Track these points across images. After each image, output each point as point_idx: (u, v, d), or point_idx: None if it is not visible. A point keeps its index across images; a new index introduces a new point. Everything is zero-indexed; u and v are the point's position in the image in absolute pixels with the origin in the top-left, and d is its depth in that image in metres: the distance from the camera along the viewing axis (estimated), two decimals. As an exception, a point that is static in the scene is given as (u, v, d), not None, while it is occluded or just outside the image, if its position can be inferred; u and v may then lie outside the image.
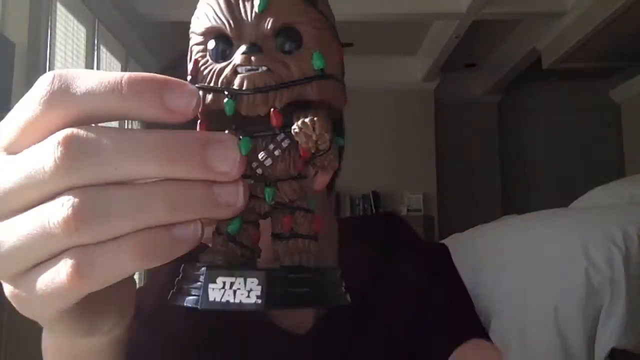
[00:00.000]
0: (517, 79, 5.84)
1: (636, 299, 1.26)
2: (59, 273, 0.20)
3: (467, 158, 6.20)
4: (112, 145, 0.19)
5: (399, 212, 5.58)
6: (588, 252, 1.34)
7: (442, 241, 2.48)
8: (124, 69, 4.09)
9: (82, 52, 3.32)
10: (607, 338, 1.25)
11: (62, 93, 0.19)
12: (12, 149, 0.21)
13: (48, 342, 0.29)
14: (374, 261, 0.63)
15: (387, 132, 5.70)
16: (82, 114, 0.19)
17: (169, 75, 0.20)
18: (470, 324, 0.63)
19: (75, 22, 3.24)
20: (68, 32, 3.12)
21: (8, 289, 0.22)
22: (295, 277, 0.20)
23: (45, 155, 0.19)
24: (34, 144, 0.20)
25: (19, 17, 2.60)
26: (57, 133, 0.19)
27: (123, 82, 0.19)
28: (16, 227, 0.20)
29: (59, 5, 2.98)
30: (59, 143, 0.19)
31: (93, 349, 0.28)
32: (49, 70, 2.77)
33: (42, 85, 0.20)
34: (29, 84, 2.17)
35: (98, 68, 3.51)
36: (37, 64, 2.68)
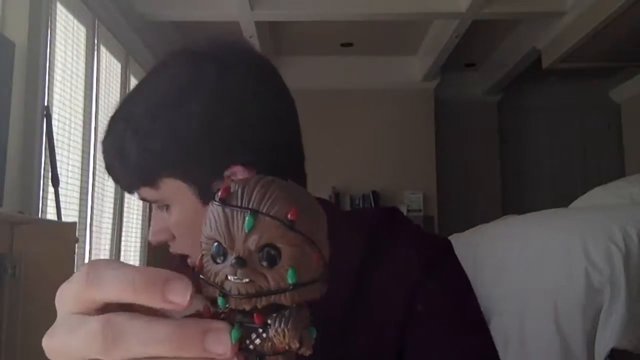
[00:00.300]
0: (517, 78, 5.84)
1: (636, 299, 1.26)
2: None
3: (467, 158, 6.20)
4: (136, 335, 0.26)
5: (399, 212, 5.57)
6: (588, 252, 1.34)
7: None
8: (124, 68, 4.09)
9: (82, 52, 3.32)
10: (607, 338, 1.25)
11: (92, 284, 0.28)
12: (74, 312, 0.29)
13: None
14: (364, 250, 0.62)
15: (387, 132, 5.70)
16: (108, 299, 0.28)
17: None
18: (468, 324, 0.62)
19: (75, 22, 3.24)
20: (68, 32, 3.12)
21: None
22: None
23: (90, 339, 0.27)
24: (87, 310, 0.28)
25: (19, 17, 2.60)
26: (100, 319, 0.27)
27: (134, 280, 0.27)
28: None
29: (59, 5, 2.98)
30: (97, 331, 0.27)
31: None
32: (49, 70, 2.77)
33: (82, 277, 0.28)
34: (29, 84, 2.17)
35: (98, 68, 3.51)
36: (37, 64, 2.68)
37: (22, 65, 2.54)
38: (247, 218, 0.26)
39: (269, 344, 0.27)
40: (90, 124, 3.34)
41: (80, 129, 3.22)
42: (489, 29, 4.90)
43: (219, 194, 0.27)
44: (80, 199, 3.17)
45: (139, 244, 4.36)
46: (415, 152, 5.76)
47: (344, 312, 0.60)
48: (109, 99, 3.75)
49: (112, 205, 3.77)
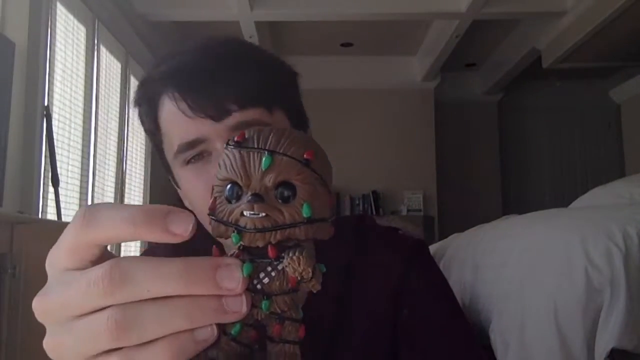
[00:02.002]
0: (517, 78, 5.84)
1: (636, 299, 1.26)
2: None
3: (467, 158, 6.20)
4: (144, 273, 0.26)
5: (400, 212, 5.58)
6: (588, 252, 1.34)
7: (442, 241, 2.48)
8: (124, 68, 4.09)
9: (82, 52, 3.32)
10: (607, 338, 1.25)
11: (90, 225, 0.26)
12: (69, 267, 0.28)
13: None
14: (349, 258, 0.65)
15: (387, 132, 5.71)
16: (107, 238, 0.27)
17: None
18: (449, 315, 0.66)
19: (75, 22, 3.24)
20: (68, 32, 3.12)
21: None
22: None
23: (94, 282, 0.26)
24: (83, 261, 0.27)
25: (19, 17, 2.60)
26: (105, 264, 0.26)
27: (135, 215, 0.26)
28: (73, 330, 0.27)
29: (59, 5, 2.98)
30: (104, 273, 0.26)
31: None
32: (49, 70, 2.77)
33: (77, 219, 0.27)
34: (29, 84, 2.16)
35: (98, 68, 3.52)
36: (37, 64, 2.68)
37: (22, 65, 2.54)
38: (264, 157, 0.27)
39: (277, 282, 0.27)
40: (90, 124, 3.34)
41: (80, 129, 3.22)
42: (489, 29, 4.90)
43: (235, 138, 0.28)
44: (80, 199, 3.17)
45: (138, 244, 4.37)
46: (415, 152, 5.76)
47: (334, 315, 0.62)
48: (109, 99, 3.75)
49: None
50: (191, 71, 0.57)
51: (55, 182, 2.56)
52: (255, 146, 0.27)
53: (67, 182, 2.95)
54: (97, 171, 3.37)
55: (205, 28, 4.55)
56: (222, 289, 0.26)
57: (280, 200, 0.27)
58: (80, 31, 3.32)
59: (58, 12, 2.97)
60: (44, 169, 2.70)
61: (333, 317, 0.62)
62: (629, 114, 5.92)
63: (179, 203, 0.65)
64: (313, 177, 0.27)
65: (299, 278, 0.27)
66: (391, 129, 5.71)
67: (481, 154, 6.25)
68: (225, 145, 0.29)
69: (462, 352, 0.64)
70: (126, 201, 4.01)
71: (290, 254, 0.27)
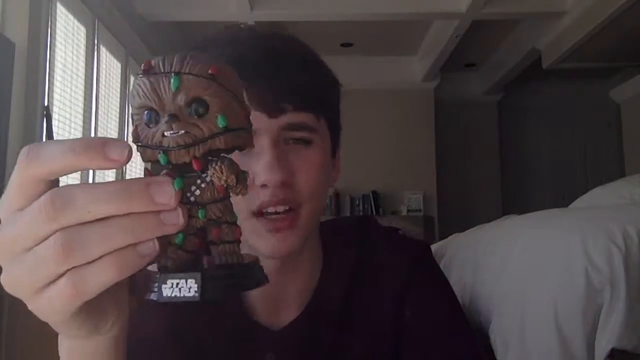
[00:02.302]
0: (517, 78, 5.84)
1: (636, 299, 1.26)
2: (61, 291, 0.28)
3: (467, 158, 6.20)
4: (83, 196, 0.27)
5: (400, 212, 5.58)
6: (588, 252, 1.34)
7: (442, 241, 2.48)
8: (124, 68, 4.09)
9: (82, 52, 3.32)
10: (607, 338, 1.25)
11: (33, 160, 0.28)
12: (20, 206, 0.29)
13: (62, 347, 0.37)
14: (355, 259, 0.67)
15: (387, 132, 5.70)
16: (50, 171, 0.28)
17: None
18: (452, 323, 0.66)
19: (75, 22, 3.24)
20: (68, 32, 3.12)
21: (28, 305, 0.31)
22: (223, 274, 0.30)
23: (37, 210, 0.27)
24: (31, 198, 0.29)
25: (19, 17, 2.60)
26: (47, 193, 0.28)
27: (75, 145, 0.28)
28: (24, 261, 0.29)
29: (59, 5, 2.98)
30: (45, 201, 0.27)
31: (99, 350, 0.36)
32: (49, 70, 2.77)
33: (20, 157, 0.29)
34: (29, 84, 2.16)
35: (98, 68, 3.51)
36: (37, 64, 2.68)
37: (22, 65, 2.53)
38: (172, 79, 0.28)
39: (208, 192, 0.30)
40: (90, 124, 3.34)
41: (80, 129, 3.22)
42: (489, 29, 4.90)
43: (142, 67, 0.30)
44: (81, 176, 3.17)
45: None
46: (415, 152, 5.76)
47: (340, 315, 0.64)
48: (109, 99, 3.75)
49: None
50: (255, 63, 0.57)
51: (55, 182, 2.56)
52: (162, 70, 0.29)
53: (67, 182, 2.95)
54: (97, 171, 3.37)
55: (205, 28, 4.54)
56: (157, 204, 0.28)
57: (195, 116, 0.29)
58: (80, 31, 3.32)
59: (58, 12, 2.97)
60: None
61: (338, 315, 0.64)
62: (629, 114, 5.92)
63: None
64: (222, 90, 0.29)
65: (224, 185, 0.29)
66: (391, 129, 5.71)
67: (481, 154, 6.24)
68: (135, 77, 0.31)
69: (463, 353, 0.64)
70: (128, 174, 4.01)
71: (213, 165, 0.29)
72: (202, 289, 0.29)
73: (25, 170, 0.28)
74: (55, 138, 2.66)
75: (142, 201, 0.27)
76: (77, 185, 0.28)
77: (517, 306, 1.48)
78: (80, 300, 0.29)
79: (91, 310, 0.31)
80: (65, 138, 2.93)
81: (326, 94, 0.63)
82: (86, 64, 3.34)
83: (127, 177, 4.05)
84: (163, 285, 0.29)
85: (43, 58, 2.74)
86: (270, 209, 0.56)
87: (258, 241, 0.57)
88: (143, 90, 0.29)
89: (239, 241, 0.32)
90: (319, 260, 0.67)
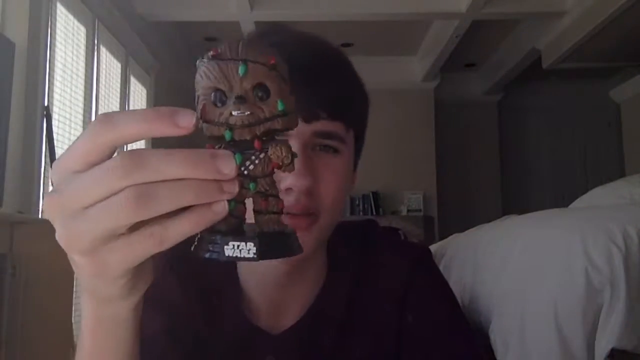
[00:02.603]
0: (517, 78, 5.84)
1: (636, 299, 1.26)
2: (140, 239, 0.31)
3: (467, 158, 6.20)
4: (157, 159, 0.30)
5: (400, 212, 5.58)
6: (588, 252, 1.34)
7: (442, 241, 2.48)
8: (124, 68, 4.09)
9: (82, 52, 3.32)
10: (607, 338, 1.25)
11: (107, 126, 0.30)
12: (80, 170, 0.31)
13: (87, 312, 0.40)
14: (359, 264, 0.68)
15: (387, 132, 5.70)
16: (124, 137, 0.31)
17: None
18: (453, 325, 0.67)
19: (75, 22, 3.24)
20: (68, 32, 3.12)
21: (78, 260, 0.33)
22: (273, 240, 0.34)
23: (112, 167, 0.30)
24: (93, 161, 0.31)
25: (19, 17, 2.59)
26: (121, 153, 0.30)
27: (147, 113, 0.30)
28: (88, 216, 0.30)
29: (59, 5, 2.98)
30: (121, 159, 0.29)
31: (122, 315, 0.39)
32: (49, 70, 2.77)
33: (95, 124, 0.31)
34: (29, 84, 2.16)
35: (98, 68, 3.51)
36: (37, 64, 2.68)
37: (22, 65, 2.53)
38: (240, 66, 0.32)
39: (260, 168, 0.33)
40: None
41: (80, 129, 3.22)
42: (489, 29, 4.90)
43: (211, 53, 0.33)
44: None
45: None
46: (415, 152, 5.76)
47: (342, 319, 0.64)
48: (109, 99, 3.75)
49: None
50: (301, 66, 0.57)
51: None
52: (230, 57, 0.32)
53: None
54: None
55: (205, 28, 4.55)
56: (220, 174, 0.31)
57: (258, 99, 0.32)
58: (80, 31, 3.32)
59: (58, 12, 2.97)
60: (44, 169, 2.70)
61: (340, 318, 0.64)
62: (629, 114, 5.92)
63: None
64: (280, 78, 0.33)
65: (280, 163, 0.33)
66: (391, 129, 5.71)
67: (481, 154, 6.24)
68: (200, 60, 0.33)
69: (463, 354, 0.64)
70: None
71: (274, 144, 0.33)
72: (260, 252, 0.32)
73: (98, 136, 0.30)
74: (55, 138, 2.66)
75: (208, 169, 0.30)
76: (149, 149, 0.30)
77: (517, 306, 1.48)
78: (160, 248, 0.31)
79: (138, 266, 0.34)
80: (65, 138, 2.94)
81: (359, 107, 0.66)
82: (86, 64, 3.34)
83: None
84: (225, 247, 0.33)
85: (43, 58, 2.74)
86: (288, 209, 0.56)
87: None
88: (213, 73, 0.32)
89: (282, 212, 0.35)
90: (324, 264, 0.67)
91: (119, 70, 4.02)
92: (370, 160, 0.68)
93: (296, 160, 0.55)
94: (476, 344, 0.68)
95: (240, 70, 0.32)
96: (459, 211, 5.76)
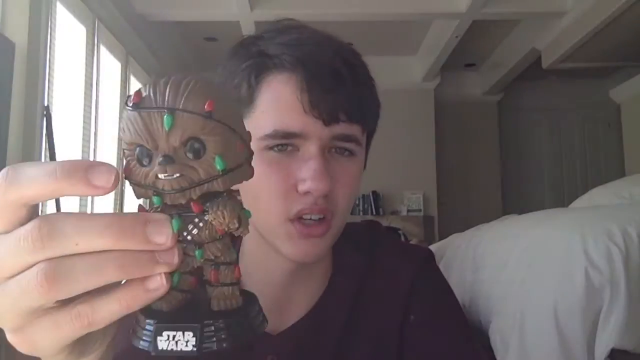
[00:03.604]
0: (517, 78, 5.84)
1: (636, 299, 1.26)
2: (66, 321, 0.27)
3: (467, 158, 6.20)
4: (72, 227, 0.25)
5: (400, 212, 5.58)
6: (588, 252, 1.34)
7: (442, 241, 2.48)
8: (124, 68, 4.09)
9: (82, 52, 3.32)
10: (607, 338, 1.25)
11: (13, 184, 0.26)
12: (1, 230, 0.27)
13: None
14: (363, 265, 0.68)
15: (386, 132, 5.64)
16: (30, 196, 0.26)
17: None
18: (455, 328, 0.67)
19: (76, 22, 3.24)
20: (68, 32, 3.12)
21: (10, 338, 0.29)
22: (222, 324, 0.28)
23: (23, 238, 0.25)
24: (11, 223, 0.27)
25: (19, 17, 2.60)
26: (34, 220, 0.26)
27: (56, 169, 0.25)
28: (6, 290, 0.27)
29: (59, 5, 2.98)
30: (31, 229, 0.25)
31: None
32: (49, 70, 2.77)
33: (0, 177, 0.26)
34: (29, 84, 2.16)
35: (98, 68, 3.51)
36: (37, 64, 2.68)
37: (22, 65, 2.53)
38: (165, 117, 0.26)
39: (206, 232, 0.28)
40: (90, 124, 3.34)
41: (80, 129, 3.22)
42: (489, 29, 4.90)
43: (132, 99, 0.27)
44: (80, 199, 3.17)
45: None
46: (415, 152, 5.75)
47: (344, 320, 0.64)
48: (109, 99, 3.75)
49: (112, 206, 3.77)
50: (322, 68, 0.56)
51: (36, 207, 2.56)
52: (154, 105, 0.26)
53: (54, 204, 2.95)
54: (95, 200, 3.36)
55: (205, 28, 4.55)
56: (152, 244, 0.26)
57: (191, 156, 0.27)
58: (80, 31, 3.32)
59: (58, 12, 2.97)
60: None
61: (343, 319, 0.64)
62: (629, 114, 5.91)
63: None
64: (219, 127, 0.27)
65: (226, 229, 0.28)
66: (391, 129, 5.70)
67: (481, 154, 6.24)
68: (124, 107, 0.28)
69: (465, 357, 0.64)
70: (126, 201, 4.01)
71: (214, 208, 0.27)
72: (200, 342, 0.27)
73: (3, 195, 0.26)
74: (55, 138, 2.66)
75: (136, 240, 0.26)
76: (67, 213, 0.26)
77: (517, 306, 1.48)
78: (90, 329, 0.27)
79: (79, 339, 0.30)
80: (64, 138, 2.94)
81: (375, 109, 0.65)
82: (86, 64, 3.34)
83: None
84: (158, 337, 0.27)
85: (43, 58, 2.74)
86: (307, 215, 0.55)
87: (288, 246, 0.57)
88: (134, 126, 0.27)
89: (237, 282, 0.30)
90: (329, 265, 0.67)
91: (119, 70, 4.02)
92: (370, 160, 0.68)
93: (314, 164, 0.53)
94: (478, 346, 0.68)
95: (166, 122, 0.26)
96: (459, 211, 5.76)
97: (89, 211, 3.45)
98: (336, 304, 0.65)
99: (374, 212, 5.51)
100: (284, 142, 0.55)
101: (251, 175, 0.29)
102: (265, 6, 4.17)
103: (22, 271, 0.26)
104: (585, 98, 6.37)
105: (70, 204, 2.98)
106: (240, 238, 0.65)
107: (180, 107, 0.26)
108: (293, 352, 0.62)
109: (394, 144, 5.68)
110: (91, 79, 3.40)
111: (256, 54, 0.58)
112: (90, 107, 3.36)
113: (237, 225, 0.28)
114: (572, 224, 1.52)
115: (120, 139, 0.28)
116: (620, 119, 6.13)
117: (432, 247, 2.34)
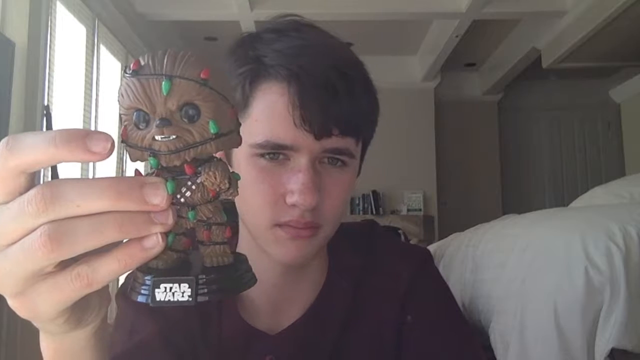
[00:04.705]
0: (517, 78, 5.84)
1: (636, 299, 1.26)
2: (66, 282, 0.28)
3: (467, 158, 6.20)
4: (74, 190, 0.27)
5: (400, 212, 5.58)
6: (588, 251, 1.34)
7: (442, 241, 2.48)
8: (124, 68, 4.09)
9: (82, 52, 3.32)
10: (607, 338, 1.25)
11: (13, 151, 0.27)
12: (4, 199, 0.28)
13: (44, 343, 0.37)
14: (361, 265, 0.68)
15: (387, 131, 5.66)
16: (30, 163, 0.27)
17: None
18: (455, 327, 0.67)
19: (76, 22, 3.24)
20: (68, 32, 3.12)
21: (11, 302, 0.30)
22: (215, 277, 0.30)
23: (26, 202, 0.27)
24: (12, 192, 0.28)
25: (19, 17, 2.60)
26: (37, 186, 0.27)
27: (55, 136, 0.27)
28: (9, 255, 0.28)
29: (59, 5, 2.98)
30: (35, 193, 0.27)
31: (80, 344, 0.37)
32: (49, 70, 2.77)
33: (0, 147, 0.27)
34: (29, 83, 2.16)
35: (98, 68, 3.51)
36: (37, 64, 2.68)
37: (22, 65, 2.54)
38: (163, 82, 0.28)
39: (199, 194, 0.29)
40: (90, 124, 3.34)
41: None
42: (489, 29, 4.90)
43: (131, 66, 0.29)
44: (82, 168, 3.17)
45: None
46: (415, 152, 5.75)
47: (342, 319, 0.64)
48: (109, 99, 3.75)
49: (113, 174, 3.78)
50: (317, 82, 0.55)
51: (34, 176, 2.56)
52: (153, 72, 0.28)
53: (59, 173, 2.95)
54: (97, 171, 3.37)
55: (205, 28, 4.55)
56: (148, 205, 0.27)
57: (186, 120, 0.28)
58: (80, 31, 3.32)
59: (58, 12, 2.97)
60: (44, 169, 2.70)
61: (340, 319, 0.64)
62: (629, 114, 5.92)
63: None
64: (213, 94, 0.28)
65: (217, 190, 0.29)
66: (391, 129, 5.70)
67: (481, 154, 6.24)
68: (122, 75, 0.29)
69: (464, 356, 0.64)
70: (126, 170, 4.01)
71: (207, 170, 0.29)
72: (196, 292, 0.29)
73: (4, 162, 0.27)
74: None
75: (133, 201, 0.27)
76: (67, 179, 0.28)
77: (516, 306, 1.48)
78: (90, 290, 0.29)
79: (77, 303, 0.31)
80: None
81: (370, 118, 0.64)
82: (86, 64, 3.34)
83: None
84: (156, 290, 0.28)
85: (43, 58, 2.74)
86: (293, 223, 0.56)
87: (276, 248, 0.57)
88: (133, 91, 0.28)
89: (228, 242, 0.32)
90: (325, 265, 0.68)
91: (119, 70, 4.02)
92: (370, 160, 0.67)
93: (303, 177, 0.53)
94: (476, 344, 0.68)
95: (164, 87, 0.27)
96: (459, 211, 5.76)
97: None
98: (334, 304, 0.65)
99: (374, 212, 5.50)
100: (277, 152, 0.55)
101: (239, 143, 0.31)
102: (265, 6, 4.17)
103: (24, 236, 0.27)
104: (585, 98, 6.37)
105: (72, 171, 2.99)
106: (236, 239, 0.65)
107: (178, 73, 0.28)
108: (291, 352, 0.62)
109: (394, 143, 5.68)
110: (91, 78, 3.40)
111: (253, 60, 0.58)
112: (90, 107, 3.36)
113: (227, 185, 0.29)
114: (572, 223, 1.52)
115: (119, 104, 0.30)
116: (620, 119, 6.13)
117: (432, 247, 2.34)
